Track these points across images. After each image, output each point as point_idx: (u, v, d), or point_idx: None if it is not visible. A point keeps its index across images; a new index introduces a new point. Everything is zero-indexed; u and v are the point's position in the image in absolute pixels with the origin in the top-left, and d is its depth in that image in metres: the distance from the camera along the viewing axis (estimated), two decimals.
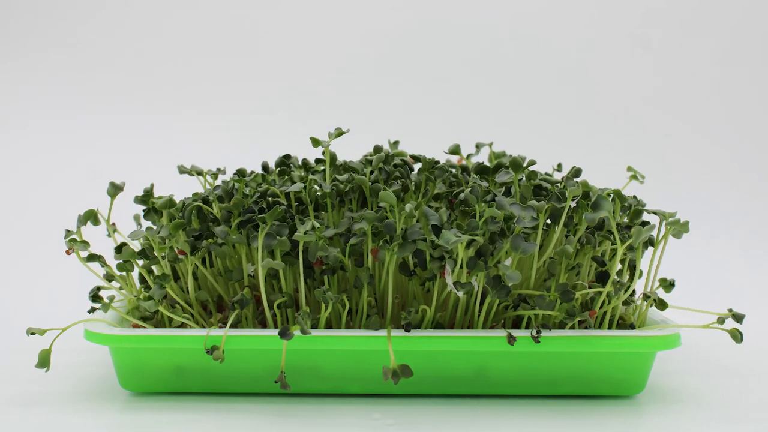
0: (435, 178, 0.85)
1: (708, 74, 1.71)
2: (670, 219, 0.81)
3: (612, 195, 0.79)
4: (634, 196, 0.86)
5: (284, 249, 0.75)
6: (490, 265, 0.73)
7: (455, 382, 0.77)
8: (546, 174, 0.89)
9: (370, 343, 0.74)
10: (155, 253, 0.81)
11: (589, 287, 0.80)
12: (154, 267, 0.85)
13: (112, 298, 0.81)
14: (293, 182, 0.87)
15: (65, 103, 1.68)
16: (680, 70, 1.71)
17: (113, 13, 1.73)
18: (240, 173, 0.92)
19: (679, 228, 0.80)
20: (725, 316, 0.77)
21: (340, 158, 0.91)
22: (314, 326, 0.77)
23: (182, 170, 0.91)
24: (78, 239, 0.80)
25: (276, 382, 0.71)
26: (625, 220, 0.83)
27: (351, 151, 0.93)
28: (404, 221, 0.76)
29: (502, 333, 0.74)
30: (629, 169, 0.93)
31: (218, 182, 0.94)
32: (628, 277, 0.82)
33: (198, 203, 0.83)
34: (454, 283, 0.72)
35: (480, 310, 0.77)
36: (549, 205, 0.76)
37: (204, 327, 0.82)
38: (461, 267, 0.73)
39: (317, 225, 0.74)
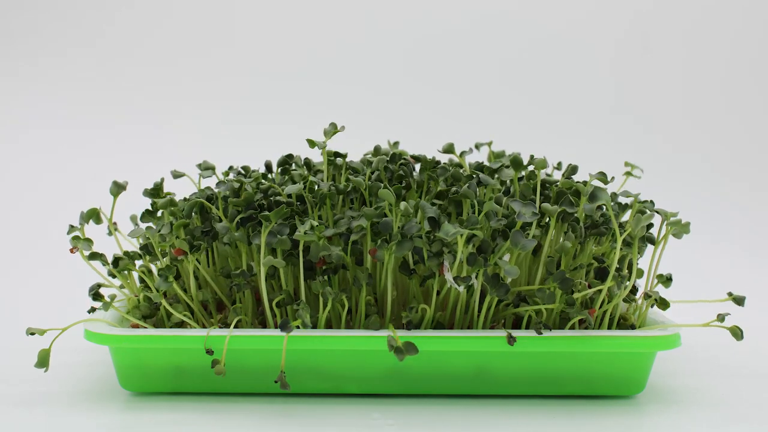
0: (437, 176, 0.85)
1: (708, 74, 1.71)
2: (672, 219, 0.81)
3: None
4: (649, 201, 0.85)
5: (285, 248, 0.75)
6: (490, 263, 0.73)
7: (455, 382, 0.77)
8: (546, 174, 0.89)
9: (370, 343, 0.74)
10: (155, 250, 0.81)
11: (590, 287, 0.79)
12: (153, 265, 0.85)
13: (113, 297, 0.81)
14: (294, 181, 0.87)
15: (64, 104, 1.68)
16: (680, 70, 1.71)
17: (113, 12, 1.73)
18: (246, 171, 0.92)
19: (679, 228, 0.80)
20: (724, 314, 0.77)
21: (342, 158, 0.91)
22: (314, 326, 0.77)
23: (176, 175, 0.91)
24: (81, 237, 0.80)
25: (276, 381, 0.71)
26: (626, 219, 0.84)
27: (351, 151, 0.93)
28: (402, 220, 0.75)
29: (502, 333, 0.74)
30: (626, 164, 0.93)
31: (213, 181, 0.94)
32: (627, 272, 0.82)
33: (201, 200, 0.83)
34: (454, 278, 0.72)
35: (480, 310, 0.77)
36: (561, 209, 0.76)
37: (204, 326, 0.82)
38: (461, 262, 0.73)
39: (315, 224, 0.74)
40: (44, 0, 1.72)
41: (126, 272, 0.84)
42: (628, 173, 0.92)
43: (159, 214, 0.86)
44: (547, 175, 0.89)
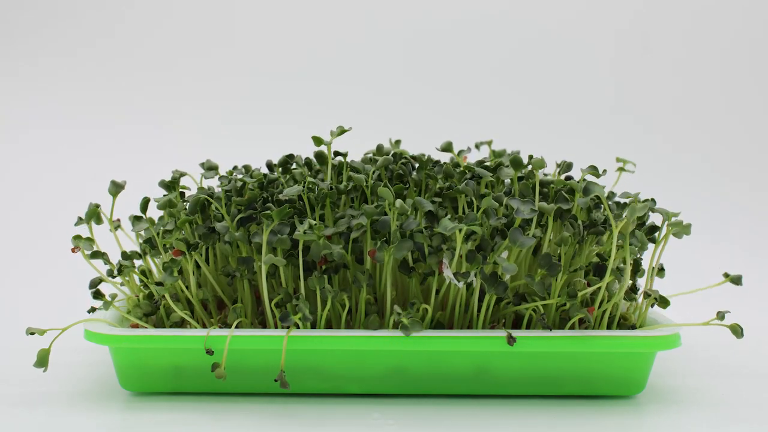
0: (435, 174, 0.85)
1: (708, 74, 1.71)
2: (673, 219, 0.81)
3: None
4: (650, 199, 0.85)
5: (285, 247, 0.75)
6: (489, 261, 0.73)
7: (455, 382, 0.77)
8: (544, 174, 0.89)
9: (370, 343, 0.74)
10: (158, 245, 0.81)
11: (589, 285, 0.80)
12: (153, 265, 0.85)
13: (114, 296, 0.81)
14: (295, 180, 0.87)
15: (64, 104, 1.68)
16: (680, 70, 1.71)
17: (113, 12, 1.73)
18: (247, 170, 0.92)
19: (680, 229, 0.80)
20: (724, 312, 0.76)
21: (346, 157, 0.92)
22: (314, 325, 0.77)
23: (178, 174, 0.91)
24: (83, 236, 0.80)
25: (276, 380, 0.71)
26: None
27: (351, 150, 0.93)
28: (400, 218, 0.75)
29: (502, 333, 0.74)
30: (618, 159, 0.93)
31: (215, 181, 0.94)
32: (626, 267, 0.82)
33: (204, 197, 0.83)
34: (454, 274, 0.72)
35: (479, 309, 0.77)
36: (556, 207, 0.76)
37: (204, 325, 0.82)
38: (460, 257, 0.73)
39: (313, 223, 0.74)
40: (44, 0, 1.72)
41: (126, 272, 0.84)
42: (621, 168, 0.92)
43: (148, 216, 0.86)
44: (545, 174, 0.89)
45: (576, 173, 0.88)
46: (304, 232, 0.74)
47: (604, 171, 0.81)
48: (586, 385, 0.78)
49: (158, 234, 0.81)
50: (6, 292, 1.23)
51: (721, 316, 0.76)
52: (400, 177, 0.87)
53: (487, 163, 0.90)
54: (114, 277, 0.84)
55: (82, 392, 0.80)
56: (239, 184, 0.85)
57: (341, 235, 0.79)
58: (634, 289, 0.84)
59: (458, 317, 0.78)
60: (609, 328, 0.80)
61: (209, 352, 0.73)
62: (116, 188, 0.83)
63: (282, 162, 0.91)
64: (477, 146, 0.98)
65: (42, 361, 0.75)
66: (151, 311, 0.82)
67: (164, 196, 0.87)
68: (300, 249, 0.76)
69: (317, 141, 0.84)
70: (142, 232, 0.85)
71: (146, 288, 0.84)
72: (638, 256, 0.84)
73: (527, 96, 1.70)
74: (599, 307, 0.78)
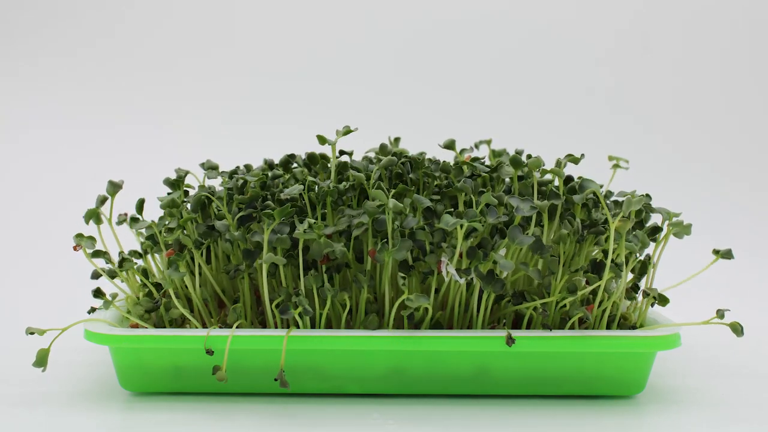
0: (432, 171, 0.85)
1: (707, 74, 1.71)
2: (674, 219, 0.81)
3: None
4: (645, 195, 0.85)
5: (285, 246, 0.75)
6: (489, 258, 0.73)
7: (455, 382, 0.77)
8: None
9: (369, 343, 0.74)
10: (161, 243, 0.81)
11: (588, 284, 0.80)
12: (153, 263, 0.85)
13: (114, 296, 0.81)
14: (296, 179, 0.87)
15: (64, 104, 1.68)
16: (679, 70, 1.71)
17: (113, 13, 1.73)
18: (248, 170, 0.92)
19: (681, 229, 0.80)
20: (724, 310, 0.76)
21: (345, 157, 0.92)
22: (313, 325, 0.77)
23: (180, 173, 0.91)
24: (85, 235, 0.80)
25: (276, 379, 0.71)
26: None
27: (352, 149, 0.93)
28: (399, 218, 0.76)
29: (502, 333, 0.74)
30: (610, 158, 0.93)
31: (217, 180, 0.94)
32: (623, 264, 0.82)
33: (206, 194, 0.83)
34: (456, 270, 0.72)
35: (479, 308, 0.77)
36: (548, 203, 0.76)
37: (205, 323, 0.82)
38: (460, 254, 0.73)
39: (312, 222, 0.74)
40: (44, 0, 1.72)
41: (127, 272, 0.84)
42: (616, 165, 0.92)
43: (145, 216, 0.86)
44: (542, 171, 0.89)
45: (574, 171, 0.88)
46: (304, 231, 0.74)
47: (582, 155, 0.81)
48: (586, 385, 0.78)
49: (160, 232, 0.81)
50: (6, 292, 1.23)
51: (721, 314, 0.76)
52: (398, 176, 0.87)
53: (487, 162, 0.90)
54: (114, 277, 0.84)
55: (82, 392, 0.80)
56: (240, 182, 0.85)
57: (341, 234, 0.79)
58: (635, 288, 0.84)
59: (458, 317, 0.78)
60: (609, 327, 0.80)
61: (209, 352, 0.73)
62: (114, 188, 0.84)
63: (283, 162, 0.91)
64: (476, 146, 0.98)
65: (41, 360, 0.75)
66: (152, 307, 0.82)
67: (168, 194, 0.87)
68: (300, 248, 0.76)
69: (321, 140, 0.84)
70: (143, 230, 0.85)
71: (146, 287, 0.84)
72: (640, 256, 0.83)
73: (527, 96, 1.70)
74: (599, 306, 0.78)
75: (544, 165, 0.80)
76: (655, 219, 0.91)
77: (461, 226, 0.72)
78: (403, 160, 0.87)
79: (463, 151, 0.93)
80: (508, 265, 0.71)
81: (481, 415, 0.74)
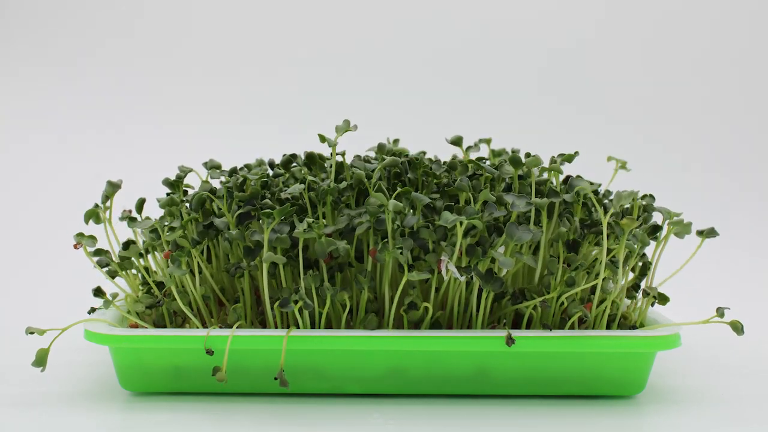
0: (432, 170, 0.85)
1: (708, 73, 1.71)
2: (675, 219, 0.80)
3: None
4: (649, 195, 0.86)
5: (285, 246, 0.75)
6: (489, 255, 0.73)
7: (455, 382, 0.77)
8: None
9: (369, 343, 0.74)
10: (164, 242, 0.81)
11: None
12: (152, 262, 0.85)
13: (115, 295, 0.81)
14: (296, 178, 0.87)
15: (64, 104, 1.69)
16: (680, 70, 1.71)
17: (113, 13, 1.73)
18: (249, 169, 0.92)
19: (681, 229, 0.80)
20: (723, 308, 0.76)
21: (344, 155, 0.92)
22: (313, 325, 0.77)
23: (183, 171, 0.91)
24: (85, 234, 0.80)
25: (275, 378, 0.71)
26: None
27: (351, 150, 0.93)
28: (399, 217, 0.76)
29: (502, 333, 0.74)
30: (609, 158, 0.93)
31: (220, 180, 0.94)
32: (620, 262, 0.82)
33: (206, 193, 0.83)
34: (456, 267, 0.72)
35: (478, 308, 0.77)
36: (547, 201, 0.77)
37: (205, 322, 0.82)
38: (460, 255, 0.73)
39: (310, 221, 0.74)
40: (45, 2, 1.72)
41: (127, 271, 0.84)
42: (623, 167, 0.92)
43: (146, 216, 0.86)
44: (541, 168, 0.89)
45: (574, 171, 0.88)
46: (304, 231, 0.74)
47: (576, 153, 0.82)
48: (586, 385, 0.78)
49: (163, 230, 0.81)
50: (6, 292, 1.24)
51: (721, 312, 0.76)
52: (397, 176, 0.87)
53: (487, 161, 0.91)
54: (114, 276, 0.84)
55: (82, 392, 0.80)
56: (239, 180, 0.86)
57: (341, 234, 0.79)
58: (635, 287, 0.84)
59: (457, 316, 0.78)
60: (609, 327, 0.80)
61: (209, 352, 0.73)
62: (113, 188, 0.84)
63: (284, 162, 0.91)
64: (476, 145, 0.98)
65: (40, 360, 0.75)
66: (152, 303, 0.82)
67: (167, 194, 0.87)
68: (300, 248, 0.76)
69: (322, 139, 0.84)
70: (145, 229, 0.85)
71: (146, 285, 0.84)
72: (639, 258, 0.83)
73: (527, 95, 1.70)
74: (598, 306, 0.78)
75: (542, 164, 0.80)
76: (656, 219, 0.91)
77: (461, 223, 0.72)
78: (402, 160, 0.87)
79: (469, 148, 0.93)
80: (508, 263, 0.71)
81: (481, 415, 0.74)
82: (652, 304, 0.84)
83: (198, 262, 0.81)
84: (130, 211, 0.87)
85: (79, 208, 0.86)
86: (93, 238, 0.81)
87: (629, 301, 0.86)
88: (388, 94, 1.69)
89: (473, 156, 0.95)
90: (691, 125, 1.68)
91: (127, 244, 0.82)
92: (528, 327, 0.79)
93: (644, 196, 0.85)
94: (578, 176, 0.82)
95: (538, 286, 0.80)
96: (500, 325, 0.80)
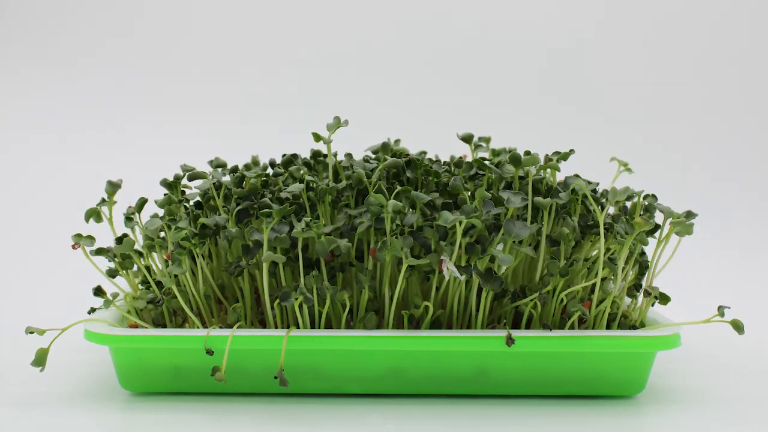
0: (434, 170, 0.85)
1: (707, 74, 1.71)
2: (677, 219, 0.80)
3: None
4: (651, 195, 0.86)
5: (284, 246, 0.75)
6: (488, 252, 0.73)
7: (455, 382, 0.77)
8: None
9: (369, 343, 0.74)
10: (169, 242, 0.81)
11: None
12: (152, 262, 0.85)
13: (115, 295, 0.81)
14: (294, 178, 0.87)
15: (64, 105, 1.69)
16: (679, 71, 1.71)
17: (114, 13, 1.73)
18: (248, 168, 0.92)
19: (682, 228, 0.80)
20: (724, 307, 0.76)
21: (342, 154, 0.92)
22: (313, 324, 0.77)
23: (186, 169, 0.92)
24: (83, 235, 0.80)
25: (275, 377, 0.71)
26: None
27: (351, 150, 0.93)
28: (398, 217, 0.76)
29: (501, 333, 0.74)
30: (612, 159, 0.93)
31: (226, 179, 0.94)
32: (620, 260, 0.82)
33: (208, 190, 0.83)
34: (456, 266, 0.72)
35: (478, 307, 0.77)
36: (550, 201, 0.77)
37: (205, 321, 0.82)
38: (459, 249, 0.73)
39: (308, 220, 0.74)
40: (45, 2, 1.72)
41: (126, 271, 0.84)
42: (628, 170, 0.92)
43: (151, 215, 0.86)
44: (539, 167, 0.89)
45: (574, 171, 0.88)
46: (302, 230, 0.74)
47: (572, 151, 0.82)
48: (586, 385, 0.78)
49: (168, 228, 0.81)
50: (6, 292, 1.24)
51: (721, 312, 0.76)
52: (396, 176, 0.87)
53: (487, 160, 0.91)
54: (114, 276, 0.84)
55: (82, 392, 0.80)
56: (238, 178, 0.86)
57: (342, 233, 0.79)
58: (637, 286, 0.84)
59: (457, 315, 0.78)
60: (609, 326, 0.80)
61: (209, 352, 0.73)
62: (113, 188, 0.84)
63: (285, 161, 0.91)
64: (485, 143, 0.98)
65: (39, 360, 0.75)
66: (152, 299, 0.82)
67: (165, 195, 0.87)
68: (300, 247, 0.76)
69: (316, 137, 0.84)
70: (148, 229, 0.85)
71: (146, 284, 0.84)
72: (638, 257, 0.84)
73: (527, 95, 1.70)
74: (599, 305, 0.78)
75: (540, 162, 0.80)
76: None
77: (460, 222, 0.72)
78: (403, 160, 0.87)
79: (477, 146, 0.93)
80: (507, 259, 0.71)
81: (481, 415, 0.74)
82: (653, 304, 0.84)
83: (198, 261, 0.81)
84: (133, 208, 0.87)
85: (79, 208, 0.86)
86: (91, 238, 0.81)
87: (629, 299, 0.86)
88: (388, 94, 1.69)
89: (480, 155, 0.95)
90: (691, 125, 1.68)
91: (121, 239, 0.82)
92: (528, 327, 0.79)
93: (646, 196, 0.85)
94: (576, 175, 0.82)
95: (538, 284, 0.80)
96: (500, 325, 0.80)
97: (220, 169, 0.92)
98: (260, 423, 0.72)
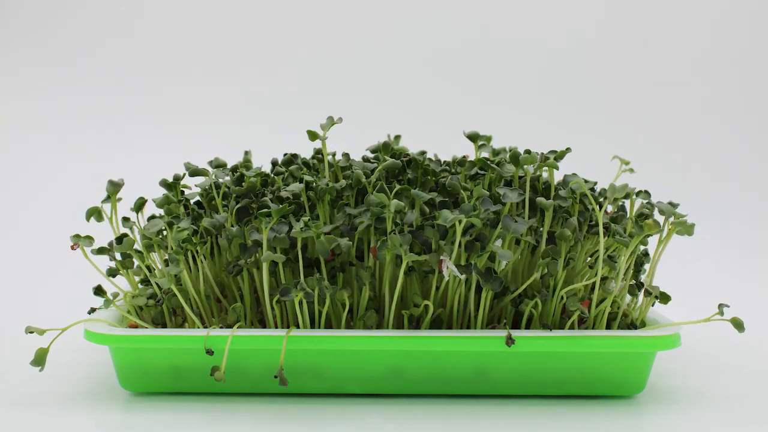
0: (431, 168, 0.85)
1: (709, 72, 1.71)
2: (678, 219, 0.80)
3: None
4: (644, 191, 0.86)
5: (283, 246, 0.75)
6: (487, 249, 0.73)
7: (455, 382, 0.77)
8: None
9: (369, 343, 0.74)
10: (170, 243, 0.81)
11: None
12: (152, 262, 0.85)
13: (115, 295, 0.81)
14: (294, 177, 0.87)
15: (63, 106, 1.69)
16: (678, 71, 1.71)
17: (114, 14, 1.73)
18: (247, 167, 0.93)
19: (683, 228, 0.80)
20: (724, 305, 0.77)
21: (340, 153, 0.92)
22: (313, 324, 0.77)
23: (189, 167, 0.92)
24: (81, 235, 0.80)
25: (275, 377, 0.71)
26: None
27: (352, 150, 0.93)
28: (398, 216, 0.76)
29: (501, 333, 0.74)
30: (614, 157, 0.93)
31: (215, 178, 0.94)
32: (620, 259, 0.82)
33: (209, 189, 0.83)
34: (456, 266, 0.72)
35: (477, 306, 0.77)
36: (553, 203, 0.77)
37: (204, 320, 0.82)
38: (459, 247, 0.73)
39: (306, 220, 0.74)
40: (45, 2, 1.72)
41: (127, 270, 0.84)
42: (630, 170, 0.92)
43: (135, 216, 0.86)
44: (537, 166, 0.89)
45: (573, 169, 0.88)
46: (300, 229, 0.74)
47: (568, 149, 0.82)
48: (586, 385, 0.78)
49: (169, 226, 0.81)
50: (6, 292, 1.24)
51: (721, 310, 0.76)
52: (395, 175, 0.87)
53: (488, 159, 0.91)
54: (114, 275, 0.84)
55: (82, 392, 0.80)
56: (237, 176, 0.86)
57: (342, 233, 0.79)
58: (638, 285, 0.84)
59: (457, 314, 0.78)
60: (610, 324, 0.80)
61: (209, 352, 0.73)
62: (114, 187, 0.84)
63: (286, 161, 0.91)
64: (488, 141, 0.98)
65: (39, 359, 0.75)
66: (152, 294, 0.82)
67: (164, 195, 0.87)
68: (299, 247, 0.76)
69: (312, 135, 0.84)
70: (148, 228, 0.85)
71: (146, 282, 0.84)
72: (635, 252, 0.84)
73: (527, 95, 1.70)
74: (599, 304, 0.78)
75: (538, 161, 0.80)
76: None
77: (460, 221, 0.72)
78: (403, 160, 0.87)
79: (482, 145, 0.93)
80: (507, 255, 0.71)
81: (481, 415, 0.74)
82: (653, 304, 0.84)
83: (199, 261, 0.81)
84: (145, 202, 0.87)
85: (79, 208, 0.86)
86: (90, 238, 0.81)
87: (630, 297, 0.86)
88: (388, 94, 1.69)
89: (482, 155, 0.96)
90: (691, 125, 1.68)
91: (121, 239, 0.82)
92: (528, 327, 0.79)
93: (639, 193, 0.85)
94: (573, 174, 0.82)
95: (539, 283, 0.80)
96: (500, 325, 0.80)
97: (220, 169, 0.92)
98: (260, 423, 0.72)
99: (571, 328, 0.78)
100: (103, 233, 0.87)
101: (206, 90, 1.71)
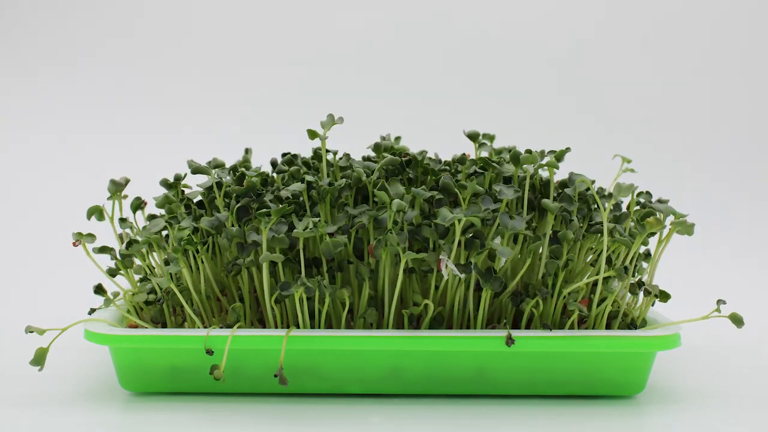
0: (431, 167, 0.85)
1: (710, 72, 1.71)
2: (678, 219, 0.80)
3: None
4: (645, 192, 0.86)
5: (283, 246, 0.75)
6: (487, 246, 0.73)
7: (455, 382, 0.77)
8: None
9: (369, 343, 0.74)
10: (172, 242, 0.81)
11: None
12: (154, 262, 0.85)
13: (116, 294, 0.81)
14: (295, 177, 0.87)
15: (63, 107, 1.69)
16: (678, 72, 1.71)
17: (115, 14, 1.73)
18: (246, 166, 0.93)
19: (683, 229, 0.80)
20: (722, 301, 0.76)
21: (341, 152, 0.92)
22: (313, 324, 0.77)
23: (192, 165, 0.92)
24: (83, 233, 0.80)
25: (275, 376, 0.71)
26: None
27: (352, 150, 0.93)
28: (398, 215, 0.76)
29: (501, 333, 0.74)
30: (615, 156, 0.93)
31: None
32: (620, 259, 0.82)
33: (211, 188, 0.83)
34: (455, 265, 0.72)
35: (477, 306, 0.77)
36: (559, 206, 0.77)
37: (204, 320, 0.82)
38: (459, 246, 0.73)
39: (316, 221, 0.74)
40: (45, 2, 1.72)
41: (131, 262, 0.84)
42: (629, 170, 0.92)
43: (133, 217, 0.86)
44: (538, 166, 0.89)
45: (573, 169, 0.88)
46: (304, 230, 0.74)
47: (568, 148, 0.82)
48: (586, 385, 0.78)
49: (170, 225, 0.81)
50: (6, 292, 1.24)
51: (719, 307, 0.76)
52: (396, 174, 0.87)
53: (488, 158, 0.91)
54: (114, 275, 0.84)
55: (82, 392, 0.80)
56: (238, 175, 0.86)
57: (342, 233, 0.79)
58: (640, 283, 0.84)
59: (457, 314, 0.78)
60: (610, 324, 0.80)
61: (209, 352, 0.73)
62: (116, 187, 0.84)
63: (287, 161, 0.91)
64: (489, 140, 0.98)
65: (38, 359, 0.75)
66: (151, 290, 0.82)
67: (164, 194, 0.87)
68: (300, 247, 0.76)
69: (312, 134, 0.84)
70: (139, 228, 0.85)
71: (146, 281, 0.84)
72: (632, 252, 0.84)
73: (528, 95, 1.70)
74: (599, 304, 0.78)
75: (538, 161, 0.80)
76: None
77: (459, 220, 0.72)
78: (404, 159, 0.87)
79: (482, 144, 0.93)
80: (506, 252, 0.71)
81: (481, 415, 0.74)
82: (653, 304, 0.84)
83: (199, 260, 0.81)
84: (145, 203, 0.87)
85: (79, 208, 0.86)
86: (91, 236, 0.81)
87: (630, 296, 0.86)
88: (388, 94, 1.69)
89: (483, 153, 0.96)
90: (691, 125, 1.68)
91: (130, 243, 0.82)
92: (528, 327, 0.79)
93: (640, 194, 0.85)
94: (579, 174, 0.82)
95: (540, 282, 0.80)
96: (500, 325, 0.80)
97: (219, 169, 0.92)
98: (260, 423, 0.72)
99: (571, 328, 0.78)
100: (104, 233, 0.87)
101: (206, 90, 1.71)
